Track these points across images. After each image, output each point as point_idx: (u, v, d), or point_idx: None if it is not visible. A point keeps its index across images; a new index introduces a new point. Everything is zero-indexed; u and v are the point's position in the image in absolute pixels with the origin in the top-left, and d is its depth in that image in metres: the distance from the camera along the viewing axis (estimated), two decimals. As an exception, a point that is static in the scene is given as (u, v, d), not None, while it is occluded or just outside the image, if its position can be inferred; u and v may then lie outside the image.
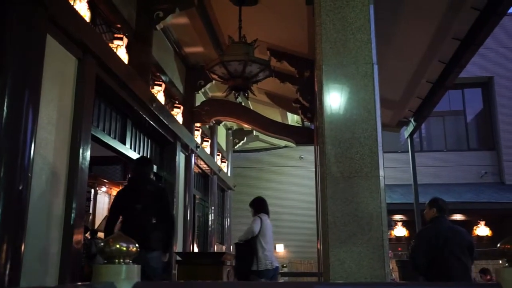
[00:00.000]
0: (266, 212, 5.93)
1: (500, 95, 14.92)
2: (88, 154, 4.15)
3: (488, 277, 8.80)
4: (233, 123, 10.94)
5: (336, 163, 2.95)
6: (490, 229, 13.36)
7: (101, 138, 4.91)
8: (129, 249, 1.72)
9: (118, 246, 1.71)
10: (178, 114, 7.65)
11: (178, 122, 7.21)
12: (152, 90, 6.37)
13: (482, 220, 13.46)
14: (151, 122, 6.07)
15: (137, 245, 1.73)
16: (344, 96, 3.09)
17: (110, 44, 5.12)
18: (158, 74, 6.88)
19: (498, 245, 1.87)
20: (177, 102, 7.76)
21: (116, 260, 1.68)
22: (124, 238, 1.75)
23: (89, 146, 4.20)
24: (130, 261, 1.70)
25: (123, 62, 5.09)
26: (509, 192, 13.38)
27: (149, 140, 6.61)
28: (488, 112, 15.26)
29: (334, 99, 3.09)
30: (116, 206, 4.69)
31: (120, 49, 5.38)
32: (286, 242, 13.44)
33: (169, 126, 6.54)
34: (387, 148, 13.33)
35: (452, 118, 15.87)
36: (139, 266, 1.73)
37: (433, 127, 15.80)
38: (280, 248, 13.37)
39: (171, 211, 4.87)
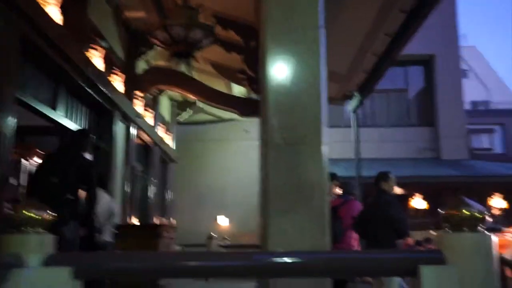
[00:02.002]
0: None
1: (440, 73, 15.36)
2: (11, 119, 3.82)
3: (430, 246, 9.13)
4: (177, 94, 10.62)
5: (278, 129, 2.82)
6: (427, 202, 13.88)
7: (30, 103, 4.55)
8: (41, 217, 1.51)
9: (27, 213, 1.50)
10: (117, 81, 7.28)
11: (118, 90, 6.86)
12: (88, 54, 5.98)
13: (420, 194, 13.94)
14: (87, 89, 5.72)
15: (52, 213, 1.53)
16: (289, 60, 2.94)
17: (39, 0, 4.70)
18: (96, 38, 6.48)
19: (441, 210, 1.82)
20: (117, 69, 7.38)
21: (25, 229, 1.48)
22: (36, 205, 1.54)
23: (13, 111, 3.86)
24: (43, 231, 1.50)
25: (54, 21, 4.70)
26: (445, 167, 13.91)
27: (85, 108, 6.25)
28: (429, 90, 15.69)
29: (279, 63, 2.94)
30: (33, 178, 4.43)
31: (51, 6, 4.96)
32: (230, 215, 13.40)
33: (107, 93, 6.20)
34: (332, 122, 13.42)
35: (395, 95, 16.22)
36: (53, 236, 1.53)
37: (376, 104, 16.09)
38: (224, 221, 13.33)
39: (94, 190, 4.57)
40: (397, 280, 4.34)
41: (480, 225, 1.72)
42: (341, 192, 6.01)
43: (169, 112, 11.57)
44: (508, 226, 9.87)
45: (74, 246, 4.23)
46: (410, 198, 13.97)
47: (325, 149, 2.81)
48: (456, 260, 1.65)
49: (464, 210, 1.72)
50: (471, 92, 30.03)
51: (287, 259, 1.72)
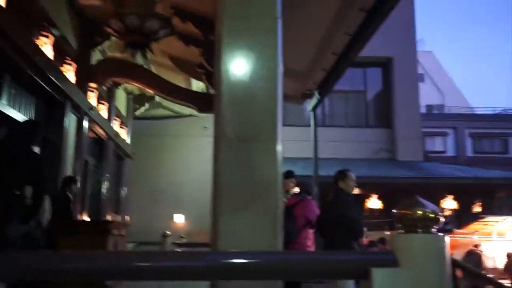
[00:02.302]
0: None
1: (398, 76, 15.64)
2: None
3: (385, 246, 9.23)
4: (134, 87, 10.34)
5: (232, 124, 2.70)
6: (383, 202, 14.09)
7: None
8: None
9: None
10: (70, 72, 6.97)
11: (69, 80, 6.57)
12: (37, 41, 5.68)
13: (376, 194, 14.14)
14: (36, 78, 5.43)
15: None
16: (245, 52, 2.83)
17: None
18: (46, 25, 6.16)
19: (394, 210, 1.75)
20: (69, 59, 7.06)
21: None
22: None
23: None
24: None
25: (-2, 4, 4.41)
26: (401, 168, 14.17)
27: (33, 98, 5.93)
28: (387, 92, 15.95)
29: (234, 55, 2.82)
30: None
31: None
32: (187, 213, 13.20)
33: (58, 83, 5.91)
34: (291, 121, 13.45)
35: (354, 96, 16.41)
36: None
37: (335, 104, 16.23)
38: (180, 219, 13.11)
39: (43, 184, 4.33)
40: (351, 283, 4.31)
41: (434, 226, 1.67)
42: (298, 191, 5.93)
43: (125, 105, 11.25)
44: (459, 227, 10.14)
45: (15, 244, 3.99)
46: (366, 199, 14.15)
47: (280, 146, 2.72)
48: (409, 262, 1.58)
49: (417, 210, 1.66)
50: (427, 96, 30.83)
51: (236, 260, 1.61)
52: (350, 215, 4.70)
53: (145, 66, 8.23)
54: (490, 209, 13.36)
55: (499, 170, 16.65)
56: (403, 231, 1.68)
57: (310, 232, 5.29)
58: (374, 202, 13.98)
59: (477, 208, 13.85)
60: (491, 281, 2.38)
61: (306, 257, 1.68)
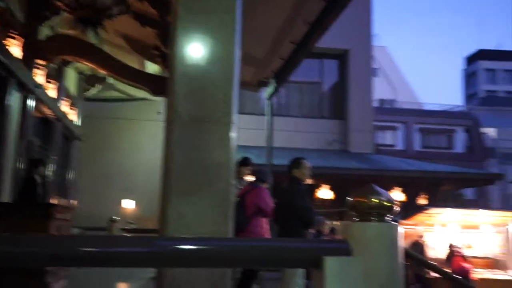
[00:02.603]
0: None
1: (353, 69, 15.85)
2: None
3: (335, 236, 9.35)
4: (85, 67, 9.94)
5: (186, 105, 2.59)
6: (334, 193, 14.31)
7: None
8: None
9: None
10: (15, 46, 6.58)
11: (13, 55, 6.20)
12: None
13: (327, 184, 14.33)
14: (-25, 50, 5.08)
15: None
16: (202, 32, 2.71)
17: None
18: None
19: (349, 198, 1.71)
20: (14, 32, 6.66)
21: None
22: None
23: None
24: None
25: None
26: (353, 160, 14.41)
27: (-27, 72, 5.57)
28: (342, 84, 16.14)
29: (190, 35, 2.70)
30: None
31: None
32: (137, 198, 12.92)
33: (0, 58, 5.57)
34: (246, 109, 13.39)
35: (309, 87, 16.52)
36: None
37: (291, 94, 16.29)
38: (129, 204, 12.82)
39: None
40: (300, 271, 4.30)
41: (388, 214, 1.64)
42: (253, 179, 5.85)
43: (75, 85, 10.81)
44: (404, 218, 10.41)
45: None
46: (316, 188, 14.32)
47: (234, 130, 2.64)
48: (362, 250, 1.54)
49: (373, 198, 1.62)
50: (379, 90, 31.53)
51: (185, 246, 1.52)
52: (303, 204, 4.68)
53: (97, 45, 7.90)
54: (435, 201, 13.84)
55: (444, 165, 17.27)
56: (357, 219, 1.65)
57: (263, 221, 5.19)
58: (325, 192, 14.17)
59: (422, 200, 14.30)
60: (439, 270, 2.40)
61: (258, 244, 1.61)
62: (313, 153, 14.54)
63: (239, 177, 5.74)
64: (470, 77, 59.23)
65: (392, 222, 1.63)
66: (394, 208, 1.63)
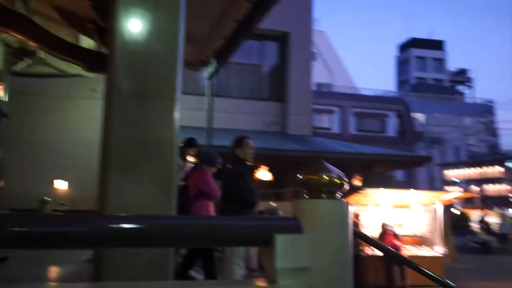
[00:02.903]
0: None
1: (293, 52, 15.95)
2: None
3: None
4: (12, 39, 9.31)
5: (127, 78, 2.46)
6: (272, 174, 14.46)
7: None
8: None
9: None
10: None
11: None
12: None
13: (265, 165, 14.45)
14: None
15: None
16: (143, 3, 2.58)
17: None
18: None
19: (299, 176, 1.68)
20: None
21: None
22: None
23: None
24: None
25: None
26: (291, 142, 14.60)
27: None
28: (282, 67, 16.22)
29: (131, 6, 2.55)
30: None
31: None
32: (71, 179, 12.42)
33: None
34: (185, 89, 13.15)
35: (249, 68, 16.48)
36: None
37: (230, 75, 16.18)
38: (62, 185, 12.31)
39: None
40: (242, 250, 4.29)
41: (338, 191, 1.63)
42: (196, 161, 5.74)
43: (1, 59, 10.13)
44: (341, 198, 10.69)
45: None
46: (256, 170, 14.41)
47: (178, 107, 2.54)
48: (313, 227, 1.53)
49: (323, 175, 1.61)
50: (317, 74, 32.02)
51: (126, 225, 1.44)
52: (244, 184, 4.65)
53: (26, 15, 7.40)
54: (369, 183, 14.33)
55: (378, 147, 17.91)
56: (307, 196, 1.63)
57: (208, 204, 5.10)
58: (263, 174, 14.28)
59: (357, 181, 14.77)
60: (382, 247, 2.47)
61: (206, 222, 1.55)
62: (252, 134, 14.53)
63: (184, 158, 5.65)
64: (402, 64, 61.62)
65: (342, 199, 1.62)
66: (345, 185, 1.62)
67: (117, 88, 2.44)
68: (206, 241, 1.58)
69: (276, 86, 16.32)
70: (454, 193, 13.21)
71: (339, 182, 1.61)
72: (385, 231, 9.62)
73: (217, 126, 11.58)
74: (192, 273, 5.19)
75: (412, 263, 2.41)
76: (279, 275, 1.47)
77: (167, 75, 2.47)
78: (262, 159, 14.16)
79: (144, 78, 2.46)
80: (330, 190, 1.60)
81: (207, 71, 9.69)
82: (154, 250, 2.24)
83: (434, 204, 11.67)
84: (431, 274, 2.37)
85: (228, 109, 14.47)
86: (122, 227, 1.44)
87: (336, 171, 1.63)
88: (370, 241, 2.38)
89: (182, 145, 5.92)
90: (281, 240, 1.47)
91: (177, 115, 2.47)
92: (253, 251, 5.31)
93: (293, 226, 1.54)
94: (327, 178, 1.60)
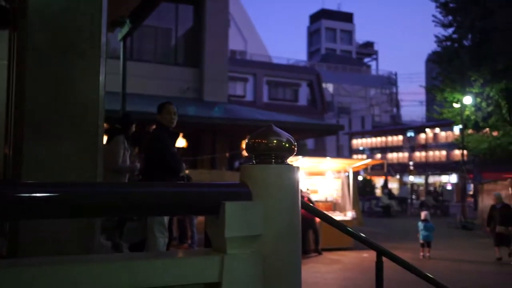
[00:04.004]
0: None
1: (209, 16, 15.59)
2: None
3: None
4: None
5: (43, 32, 2.18)
6: (187, 141, 14.24)
7: None
8: None
9: None
10: None
11: None
12: None
13: (180, 132, 14.20)
14: None
15: None
16: None
17: None
18: None
19: (247, 141, 1.59)
20: None
21: None
22: None
23: None
24: None
25: None
26: (206, 108, 14.41)
27: None
28: (197, 31, 15.82)
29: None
30: None
31: None
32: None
33: None
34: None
35: (164, 32, 15.90)
36: None
37: (144, 38, 15.52)
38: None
39: None
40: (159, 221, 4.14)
41: (288, 156, 1.56)
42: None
43: None
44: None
45: None
46: (178, 136, 14.11)
47: (103, 66, 2.31)
48: (263, 194, 1.45)
49: (273, 140, 1.52)
50: (231, 41, 31.74)
51: (46, 194, 1.26)
52: (162, 151, 4.48)
53: None
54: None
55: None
56: (255, 161, 1.54)
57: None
58: (179, 141, 14.04)
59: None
60: (319, 213, 2.47)
61: (146, 191, 1.41)
62: (167, 100, 14.18)
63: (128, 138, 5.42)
64: (313, 35, 62.95)
65: (292, 164, 1.55)
66: (295, 150, 1.55)
67: (31, 43, 2.16)
68: (148, 210, 1.45)
69: (192, 51, 15.92)
70: (364, 160, 13.88)
71: (288, 146, 1.54)
72: (301, 198, 9.89)
73: (131, 91, 11.10)
74: (103, 240, 4.99)
75: (340, 224, 2.43)
76: (228, 245, 1.38)
77: (91, 28, 2.23)
78: (178, 125, 13.87)
79: (64, 30, 2.20)
80: (279, 154, 1.53)
81: (120, 32, 9.19)
82: (79, 223, 2.06)
83: (346, 171, 12.19)
84: (356, 234, 2.41)
85: (142, 74, 13.91)
86: (37, 196, 1.26)
87: (285, 135, 1.55)
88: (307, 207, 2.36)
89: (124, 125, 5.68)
90: (230, 208, 1.38)
91: (103, 73, 2.24)
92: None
93: (242, 193, 1.45)
94: (276, 142, 1.52)
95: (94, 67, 2.22)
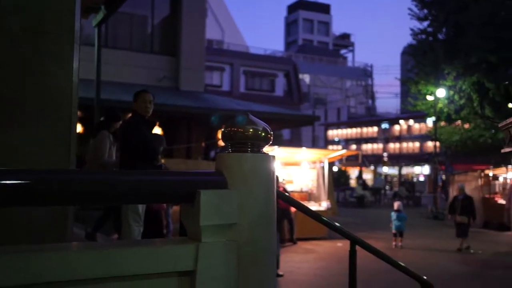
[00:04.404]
0: None
1: (186, 4, 15.42)
2: None
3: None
4: None
5: (15, 16, 2.12)
6: (163, 129, 14.12)
7: None
8: None
9: None
10: None
11: None
12: None
13: (157, 121, 14.06)
14: None
15: None
16: None
17: None
18: None
19: (223, 129, 1.58)
20: None
21: None
22: None
23: None
24: None
25: None
26: (182, 97, 14.31)
27: None
28: (174, 19, 15.64)
29: None
30: None
31: None
32: None
33: None
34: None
35: (140, 19, 15.68)
36: None
37: (119, 25, 15.27)
38: None
39: None
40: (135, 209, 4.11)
41: (264, 145, 1.56)
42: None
43: None
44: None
45: None
46: (154, 124, 13.98)
47: (77, 52, 2.27)
48: (238, 183, 1.45)
49: (249, 129, 1.52)
50: (208, 30, 31.51)
51: (15, 181, 1.23)
52: (137, 138, 4.44)
53: None
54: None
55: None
56: (231, 150, 1.54)
57: None
58: (155, 130, 13.91)
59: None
60: (294, 203, 2.48)
61: (121, 179, 1.39)
62: (143, 88, 14.02)
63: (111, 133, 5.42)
64: (290, 25, 62.98)
65: (268, 153, 1.56)
66: (271, 138, 1.56)
67: (2, 29, 2.10)
68: (123, 198, 1.43)
69: (168, 39, 15.74)
70: (339, 151, 14.02)
71: (264, 135, 1.54)
72: (277, 188, 9.94)
73: (106, 79, 10.93)
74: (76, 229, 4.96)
75: (315, 213, 2.46)
76: (203, 233, 1.38)
77: (65, 11, 2.17)
78: (154, 114, 13.73)
79: (38, 13, 2.14)
80: (255, 143, 1.53)
81: (94, 19, 9.03)
82: (53, 208, 2.02)
83: (322, 162, 12.29)
84: (331, 223, 2.44)
85: (117, 62, 13.70)
86: (8, 184, 1.23)
87: (261, 124, 1.55)
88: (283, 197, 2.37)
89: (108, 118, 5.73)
90: (205, 196, 1.38)
91: (77, 59, 2.20)
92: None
93: (217, 181, 1.45)
94: (252, 131, 1.52)
95: (67, 53, 2.18)
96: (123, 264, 1.28)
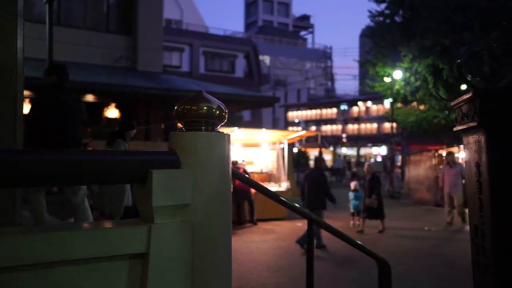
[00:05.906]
0: None
1: (143, -18, 15.00)
2: None
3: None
4: None
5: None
6: (120, 111, 13.82)
7: None
8: None
9: None
10: None
11: None
12: None
13: (114, 103, 13.74)
14: None
15: None
16: None
17: None
18: None
19: (177, 107, 1.53)
20: None
21: None
22: None
23: None
24: None
25: None
26: (139, 78, 14.01)
27: None
28: (130, -2, 15.21)
29: None
30: None
31: None
32: None
33: None
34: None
35: (94, -3, 15.17)
36: None
37: (73, 2, 14.72)
38: None
39: None
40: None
41: (219, 123, 1.52)
42: None
43: None
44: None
45: None
46: (105, 108, 13.64)
47: (21, 26, 2.14)
48: (192, 162, 1.40)
49: (203, 106, 1.47)
50: (166, 9, 30.85)
51: None
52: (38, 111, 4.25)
53: None
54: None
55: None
56: (185, 128, 1.49)
57: None
58: (112, 111, 13.59)
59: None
60: (254, 184, 2.45)
61: (63, 158, 1.32)
62: (99, 69, 13.64)
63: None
64: (250, 6, 62.51)
65: (222, 132, 1.52)
66: (225, 117, 1.52)
67: None
68: (73, 179, 1.36)
69: (124, 18, 15.30)
70: (299, 132, 14.09)
71: (218, 113, 1.49)
72: (237, 169, 9.93)
73: (59, 59, 10.53)
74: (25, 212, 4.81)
75: (275, 194, 2.44)
76: (156, 214, 1.34)
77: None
78: (110, 96, 13.41)
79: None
80: (210, 121, 1.48)
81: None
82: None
83: (281, 143, 12.34)
84: (289, 204, 2.43)
85: (71, 41, 13.23)
86: None
87: (216, 102, 1.51)
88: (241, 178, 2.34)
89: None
90: (158, 176, 1.33)
91: (21, 34, 2.08)
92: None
93: (170, 160, 1.40)
94: (206, 109, 1.47)
95: (10, 28, 2.05)
96: (71, 248, 1.23)
